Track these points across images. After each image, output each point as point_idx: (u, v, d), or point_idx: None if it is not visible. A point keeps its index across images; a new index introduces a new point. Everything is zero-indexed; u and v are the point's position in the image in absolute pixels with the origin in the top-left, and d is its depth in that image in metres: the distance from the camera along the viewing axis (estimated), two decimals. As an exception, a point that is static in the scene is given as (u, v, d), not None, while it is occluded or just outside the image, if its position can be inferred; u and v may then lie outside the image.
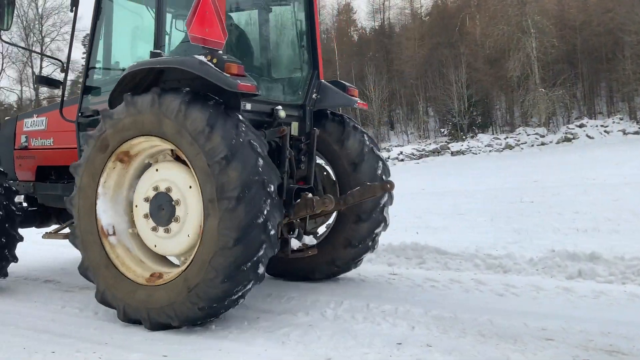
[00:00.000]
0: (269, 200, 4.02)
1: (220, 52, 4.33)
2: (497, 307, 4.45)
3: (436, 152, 33.36)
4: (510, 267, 5.80)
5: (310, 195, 4.77)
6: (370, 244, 5.57)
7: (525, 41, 37.23)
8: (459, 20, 46.94)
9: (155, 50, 4.62)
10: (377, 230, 5.57)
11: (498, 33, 38.74)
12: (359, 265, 5.75)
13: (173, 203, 4.22)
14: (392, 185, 5.14)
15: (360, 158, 5.45)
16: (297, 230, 5.02)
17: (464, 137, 38.86)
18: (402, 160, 32.47)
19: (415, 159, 32.55)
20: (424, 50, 46.78)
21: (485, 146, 32.99)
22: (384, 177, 5.52)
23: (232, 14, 5.54)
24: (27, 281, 6.13)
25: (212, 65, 4.15)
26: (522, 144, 33.42)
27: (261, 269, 4.08)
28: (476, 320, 4.06)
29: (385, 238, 7.60)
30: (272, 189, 4.09)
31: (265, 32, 5.81)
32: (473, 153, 32.57)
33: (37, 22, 54.38)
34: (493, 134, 41.39)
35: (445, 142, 37.54)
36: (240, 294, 4.05)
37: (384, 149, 37.87)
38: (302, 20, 5.78)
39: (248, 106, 4.74)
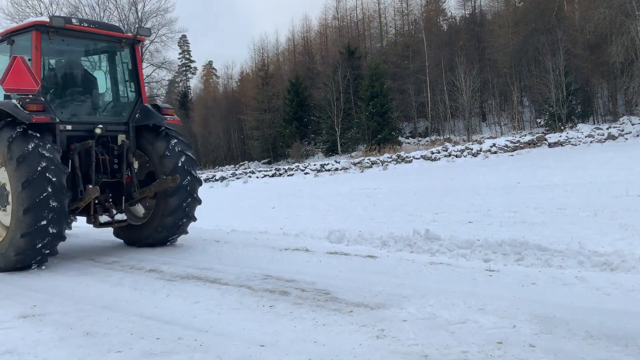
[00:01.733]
0: (49, 185, 6.38)
1: (31, 95, 6.69)
2: (604, 307, 4.17)
3: (532, 144, 31.89)
4: (618, 264, 5.43)
5: (91, 186, 7.00)
6: (177, 231, 7.98)
7: (630, 24, 34.71)
8: (556, 5, 44.59)
9: (7, 93, 6.91)
10: (181, 222, 7.88)
11: (599, 17, 36.38)
12: (174, 241, 8.24)
13: (6, 193, 6.69)
14: (177, 179, 7.38)
15: (165, 155, 7.69)
16: (110, 210, 7.49)
17: (562, 127, 36.95)
18: (495, 152, 31.36)
19: (509, 151, 31.33)
20: (518, 37, 44.83)
21: (586, 137, 31.10)
22: (185, 167, 7.70)
23: (72, 59, 8.01)
24: (133, 270, 6.48)
25: (19, 106, 6.55)
26: (626, 134, 31.24)
27: (56, 225, 6.51)
28: (582, 320, 3.83)
29: (480, 233, 7.40)
30: (54, 178, 6.44)
31: (98, 72, 8.39)
32: (572, 144, 30.82)
33: (136, 25, 57.82)
34: (594, 123, 39.05)
35: (542, 133, 35.84)
36: (41, 245, 6.48)
37: (475, 141, 36.69)
38: (128, 62, 8.15)
39: (69, 127, 7.27)
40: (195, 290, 5.23)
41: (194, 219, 8.12)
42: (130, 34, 8.14)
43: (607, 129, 32.40)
